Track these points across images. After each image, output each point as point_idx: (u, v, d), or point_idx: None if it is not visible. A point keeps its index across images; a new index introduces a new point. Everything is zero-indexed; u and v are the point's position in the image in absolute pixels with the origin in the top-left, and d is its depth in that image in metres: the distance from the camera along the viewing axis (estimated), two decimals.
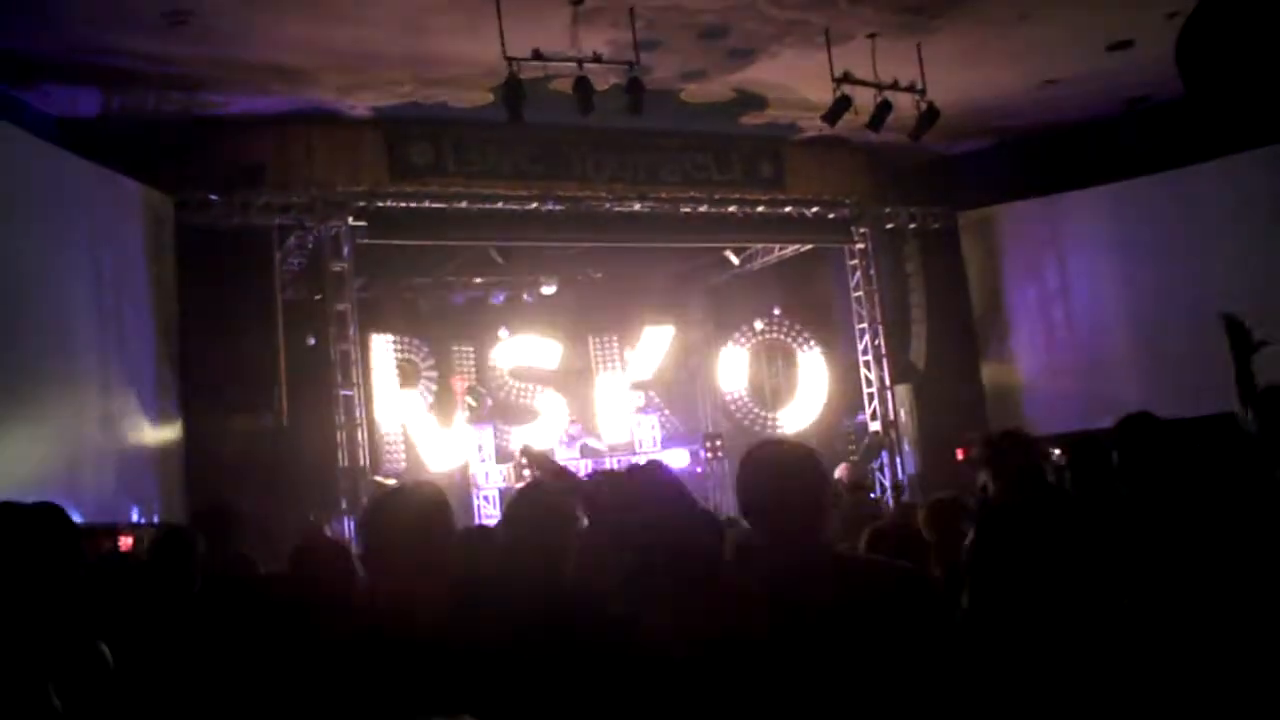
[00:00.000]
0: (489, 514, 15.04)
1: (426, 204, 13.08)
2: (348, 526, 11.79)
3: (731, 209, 14.67)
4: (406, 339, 16.24)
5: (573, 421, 16.44)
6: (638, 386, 17.26)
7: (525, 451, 9.01)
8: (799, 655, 2.52)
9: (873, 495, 13.27)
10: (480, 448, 15.40)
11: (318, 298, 13.19)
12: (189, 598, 4.34)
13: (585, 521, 3.36)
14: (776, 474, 2.84)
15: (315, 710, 2.89)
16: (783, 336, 17.53)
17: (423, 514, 3.10)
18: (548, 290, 16.95)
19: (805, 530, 2.77)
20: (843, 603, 2.59)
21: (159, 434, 11.27)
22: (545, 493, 3.47)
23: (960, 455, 14.37)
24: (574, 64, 10.39)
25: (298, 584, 3.82)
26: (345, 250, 12.87)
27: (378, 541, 3.10)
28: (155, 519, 10.33)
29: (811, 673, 2.51)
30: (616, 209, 14.09)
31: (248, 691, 3.30)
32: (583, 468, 15.18)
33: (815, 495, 2.82)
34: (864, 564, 2.92)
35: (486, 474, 15.16)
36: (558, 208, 13.75)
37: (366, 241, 13.06)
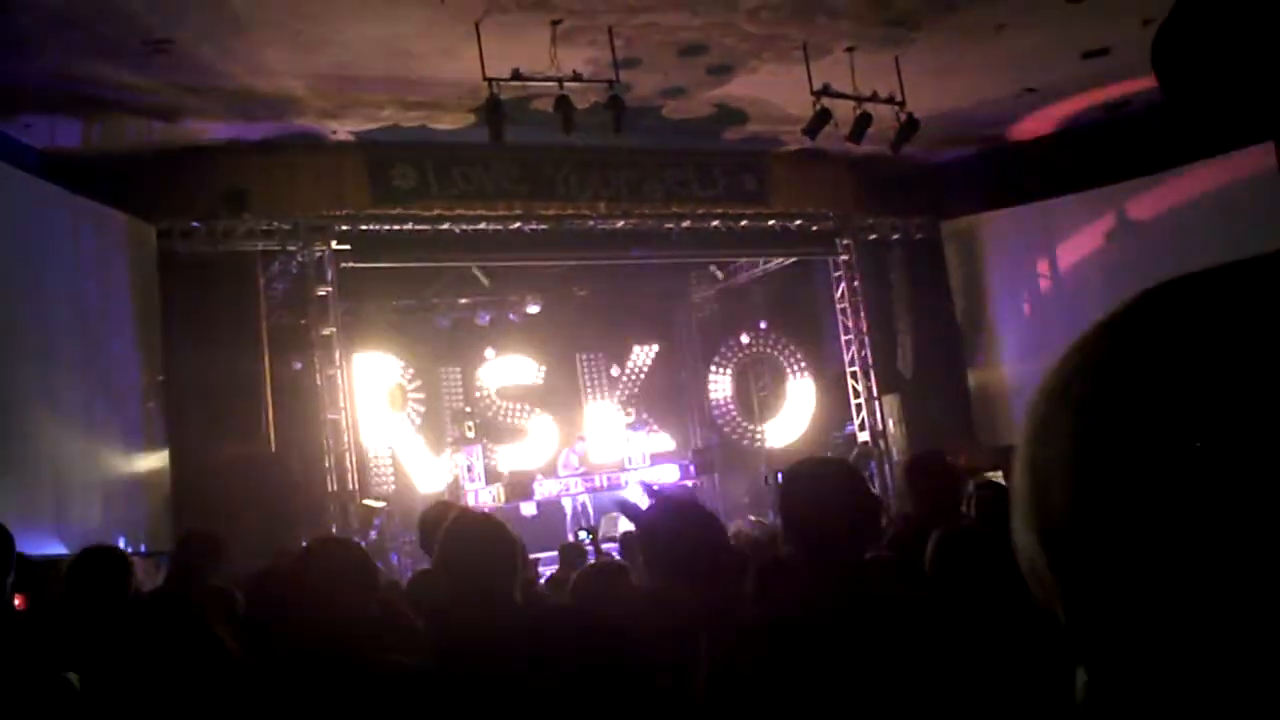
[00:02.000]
0: None
1: (410, 226, 13.08)
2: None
3: (715, 224, 14.70)
4: (392, 361, 16.21)
5: (580, 439, 16.44)
6: (626, 403, 17.26)
7: None
8: (826, 686, 2.49)
9: None
10: (469, 469, 15.36)
11: (303, 322, 13.17)
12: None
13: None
14: (819, 493, 2.78)
15: None
16: (769, 350, 17.55)
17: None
18: (533, 310, 16.94)
19: (845, 552, 2.70)
20: (870, 637, 2.55)
21: (145, 462, 11.24)
22: (478, 522, 3.40)
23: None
24: (554, 83, 10.42)
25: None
26: (329, 274, 12.86)
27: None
28: (143, 548, 10.28)
29: (843, 701, 2.48)
30: (600, 227, 14.11)
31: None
32: (573, 485, 15.18)
33: (856, 517, 2.75)
34: (892, 596, 2.87)
35: (475, 494, 15.11)
36: (541, 227, 13.76)
37: (350, 265, 13.06)
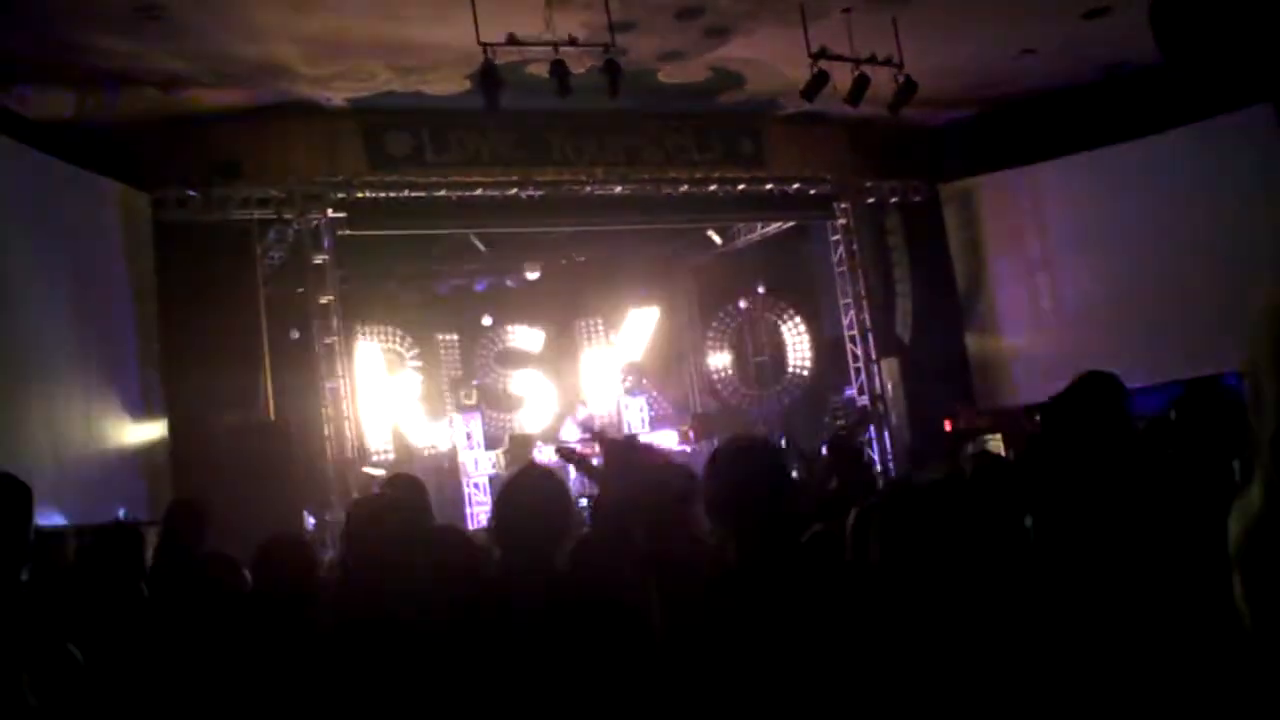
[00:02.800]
0: (479, 501, 15.05)
1: (406, 194, 13.03)
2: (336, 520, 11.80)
3: (713, 188, 14.64)
4: (391, 329, 16.20)
5: (581, 403, 16.47)
6: (625, 369, 17.26)
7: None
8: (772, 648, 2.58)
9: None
10: (469, 435, 15.38)
11: (300, 291, 13.14)
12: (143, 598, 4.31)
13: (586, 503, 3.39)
14: (740, 471, 2.90)
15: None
16: (767, 314, 17.53)
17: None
18: (531, 276, 16.91)
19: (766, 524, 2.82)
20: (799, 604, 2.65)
21: (144, 432, 11.23)
22: (537, 477, 3.45)
23: (949, 426, 14.44)
24: (549, 48, 10.33)
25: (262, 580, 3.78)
26: (326, 243, 12.81)
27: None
28: (142, 517, 10.29)
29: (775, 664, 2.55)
30: (598, 192, 14.04)
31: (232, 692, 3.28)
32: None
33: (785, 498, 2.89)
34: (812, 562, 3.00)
35: (475, 461, 15.15)
36: (538, 193, 13.70)
37: (347, 233, 13.01)
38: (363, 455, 13.03)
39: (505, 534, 3.21)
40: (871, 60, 11.58)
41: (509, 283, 17.41)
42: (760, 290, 17.48)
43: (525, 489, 3.30)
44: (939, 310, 15.43)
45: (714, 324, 17.89)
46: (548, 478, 3.41)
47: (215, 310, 11.80)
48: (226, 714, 3.08)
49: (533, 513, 3.20)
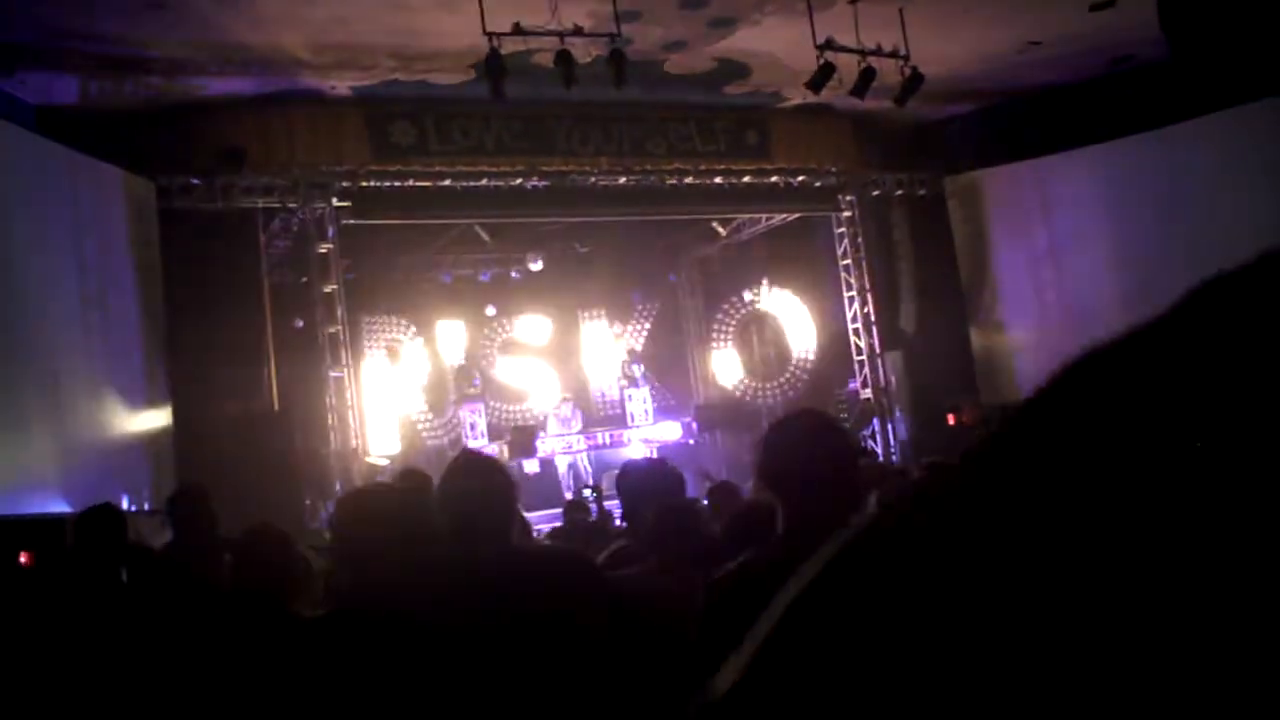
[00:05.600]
0: None
1: (410, 183, 13.02)
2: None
3: (717, 180, 14.61)
4: (395, 319, 16.20)
5: (564, 400, 16.46)
6: (628, 360, 17.24)
7: None
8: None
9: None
10: (472, 426, 15.38)
11: (304, 280, 13.14)
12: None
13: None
14: (806, 446, 2.75)
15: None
16: (772, 306, 17.52)
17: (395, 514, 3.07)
18: (535, 266, 16.90)
19: (832, 505, 2.71)
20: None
21: (148, 421, 11.24)
22: (480, 460, 3.41)
23: (951, 420, 14.42)
24: (555, 37, 10.32)
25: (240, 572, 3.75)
26: (330, 232, 12.81)
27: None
28: (147, 506, 10.31)
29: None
30: (602, 183, 14.03)
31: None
32: (575, 444, 15.21)
33: (844, 470, 2.75)
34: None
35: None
36: (543, 183, 13.69)
37: (351, 222, 13.01)
38: (366, 445, 13.03)
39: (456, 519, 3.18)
40: (878, 52, 11.56)
41: (513, 273, 17.40)
42: (764, 282, 17.45)
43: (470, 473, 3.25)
44: (943, 304, 15.41)
45: (718, 316, 17.88)
46: (492, 464, 3.38)
47: (219, 298, 11.82)
48: (204, 706, 3.08)
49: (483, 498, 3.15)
